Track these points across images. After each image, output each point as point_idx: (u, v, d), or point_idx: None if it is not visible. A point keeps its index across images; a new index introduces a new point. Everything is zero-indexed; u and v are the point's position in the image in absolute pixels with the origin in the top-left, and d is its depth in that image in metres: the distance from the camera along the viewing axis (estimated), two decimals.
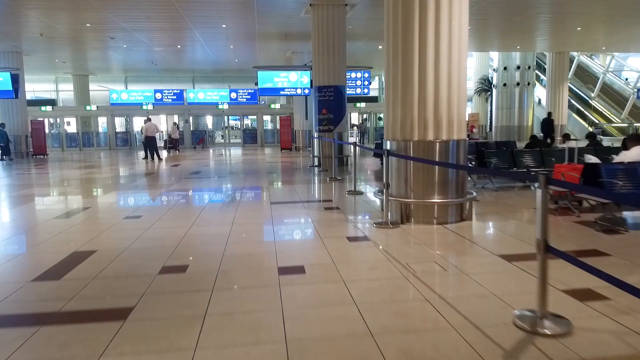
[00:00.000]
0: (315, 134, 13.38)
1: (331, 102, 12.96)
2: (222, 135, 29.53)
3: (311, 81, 16.43)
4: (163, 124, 29.65)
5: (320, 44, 12.77)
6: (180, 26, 15.49)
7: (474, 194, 5.70)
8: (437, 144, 5.35)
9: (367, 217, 5.93)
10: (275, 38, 18.11)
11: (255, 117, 27.43)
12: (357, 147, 8.50)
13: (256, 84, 18.08)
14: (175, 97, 26.94)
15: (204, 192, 8.79)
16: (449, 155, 5.41)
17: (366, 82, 19.14)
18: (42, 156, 19.94)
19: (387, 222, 5.32)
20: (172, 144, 22.25)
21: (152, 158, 16.71)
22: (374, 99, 26.06)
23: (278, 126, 25.05)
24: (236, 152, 21.57)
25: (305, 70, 17.61)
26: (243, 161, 16.09)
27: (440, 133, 5.34)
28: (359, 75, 18.70)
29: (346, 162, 13.14)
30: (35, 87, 30.00)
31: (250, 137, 26.77)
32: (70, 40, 17.49)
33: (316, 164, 13.11)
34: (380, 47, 20.15)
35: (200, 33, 16.70)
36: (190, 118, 27.09)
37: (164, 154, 20.62)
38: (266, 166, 14.21)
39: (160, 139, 23.20)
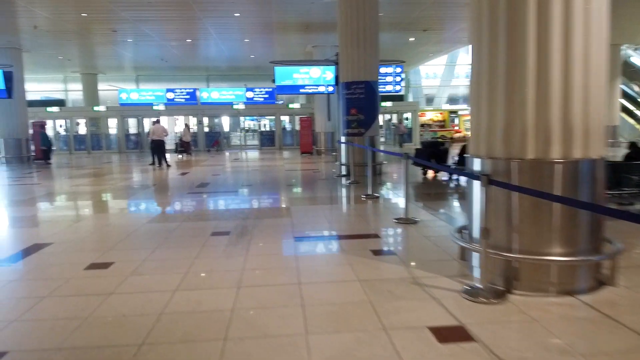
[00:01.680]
0: (343, 138, 11.42)
1: (362, 101, 10.98)
2: (237, 138, 27.79)
3: (336, 77, 14.49)
4: (177, 125, 28.14)
5: (349, 33, 10.81)
6: (188, 15, 13.71)
7: (617, 245, 3.61)
8: (564, 165, 3.32)
9: (444, 273, 3.91)
10: (294, 29, 16.21)
11: (273, 117, 25.60)
12: (408, 159, 6.47)
13: (273, 81, 16.19)
14: (188, 96, 25.30)
15: (207, 217, 6.90)
16: (581, 183, 3.38)
17: (398, 78, 17.06)
18: (43, 161, 18.40)
19: (484, 292, 3.32)
20: (184, 147, 20.52)
21: (160, 164, 14.97)
22: (399, 97, 23.97)
23: (297, 127, 23.16)
24: (252, 157, 19.75)
25: (329, 65, 15.64)
26: (259, 168, 14.21)
27: (571, 148, 3.32)
28: (389, 70, 16.64)
29: (380, 171, 11.14)
30: (45, 87, 28.74)
31: (267, 139, 24.92)
32: (69, 34, 15.90)
33: (343, 172, 11.15)
34: (411, 39, 18.08)
35: (211, 24, 14.89)
36: (204, 119, 25.39)
37: (176, 157, 18.94)
38: (286, 175, 12.29)
39: (172, 142, 21.55)
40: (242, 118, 27.48)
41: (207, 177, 11.82)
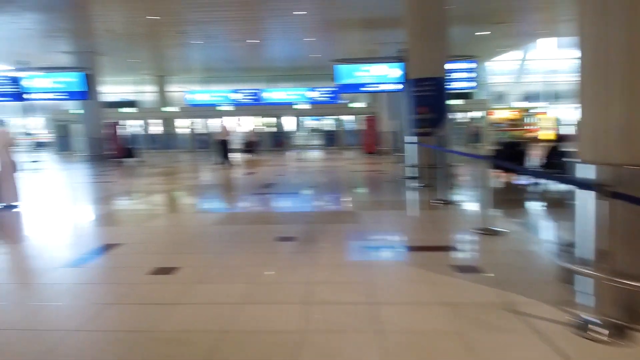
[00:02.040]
0: (410, 138, 10.85)
1: (432, 98, 10.34)
2: (300, 138, 27.83)
3: (403, 74, 13.92)
4: (243, 125, 28.68)
5: (418, 27, 10.24)
6: (251, 15, 13.73)
7: None
8: None
9: (543, 298, 3.36)
10: (358, 26, 15.81)
11: (335, 117, 25.33)
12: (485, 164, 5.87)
13: (334, 79, 15.86)
14: (251, 97, 25.69)
15: (272, 220, 6.67)
16: None
17: (472, 75, 16.09)
18: (119, 159, 19.30)
19: (601, 327, 2.75)
20: (250, 147, 20.77)
21: (223, 163, 15.18)
22: (467, 95, 22.80)
23: (361, 127, 22.72)
24: (315, 157, 19.57)
25: (394, 62, 15.06)
26: (322, 169, 13.95)
27: None
28: (461, 66, 15.75)
29: (451, 174, 10.45)
30: (120, 89, 30.35)
31: (330, 139, 24.69)
32: (140, 38, 16.50)
33: (411, 174, 10.57)
34: (482, 33, 17.07)
35: (273, 23, 14.83)
36: (269, 119, 25.63)
37: (242, 157, 19.17)
38: (350, 177, 11.92)
39: (239, 142, 21.88)
40: (304, 118, 27.46)
41: (271, 178, 11.72)
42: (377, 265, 4.32)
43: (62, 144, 24.29)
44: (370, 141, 19.21)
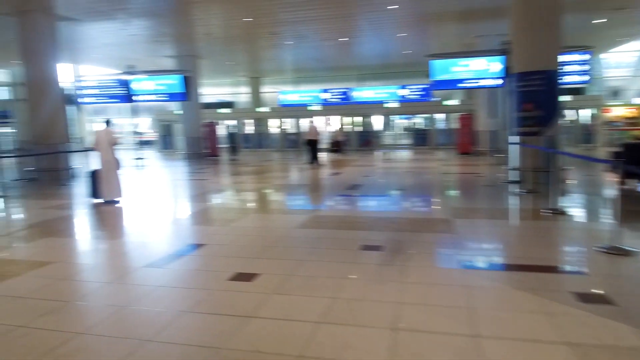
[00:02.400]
0: (514, 138, 9.81)
1: (540, 94, 9.24)
2: (389, 137, 27.11)
3: (506, 68, 12.77)
4: (332, 124, 28.71)
5: (524, 15, 9.20)
6: (343, 12, 13.44)
7: None
8: None
9: None
10: (455, 19, 14.82)
11: (427, 115, 24.27)
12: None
13: (428, 76, 15.03)
14: (341, 96, 25.52)
15: (357, 225, 6.26)
16: None
17: (585, 68, 14.35)
18: (214, 157, 20.20)
19: None
20: (337, 146, 20.61)
21: (311, 163, 15.11)
22: (577, 91, 20.51)
23: (454, 126, 21.48)
24: (404, 157, 18.83)
25: (495, 55, 13.88)
26: (412, 170, 13.26)
27: None
28: (573, 57, 14.09)
29: (563, 179, 9.27)
30: (217, 91, 31.90)
31: (421, 138, 23.69)
32: (236, 40, 17.03)
33: (514, 178, 9.56)
34: (599, 20, 15.14)
35: (365, 20, 14.41)
36: (357, 118, 25.28)
37: (329, 157, 19.06)
38: (442, 180, 11.14)
39: (327, 141, 21.83)
40: (394, 117, 26.67)
41: (358, 179, 11.33)
42: (478, 287, 3.72)
43: (165, 142, 26.03)
44: (465, 141, 18.03)
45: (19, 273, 4.40)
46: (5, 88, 24.10)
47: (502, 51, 12.98)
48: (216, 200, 9.11)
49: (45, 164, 12.20)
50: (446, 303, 3.38)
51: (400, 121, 30.46)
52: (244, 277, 4.08)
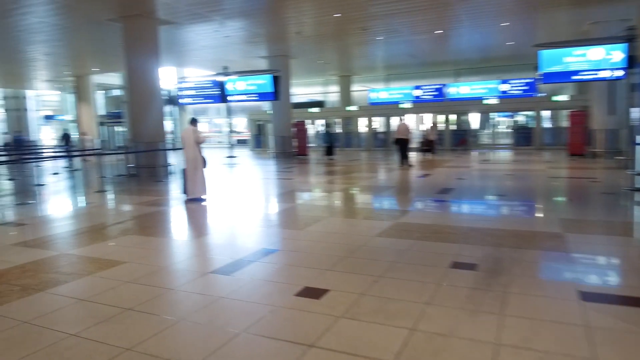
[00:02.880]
0: None
1: None
2: (488, 136, 25.22)
3: (629, 57, 11.01)
4: (422, 123, 27.63)
5: None
6: (439, 2, 12.47)
7: None
8: None
9: None
10: (568, 3, 13.11)
11: (531, 113, 22.13)
12: None
13: (535, 68, 13.47)
14: (435, 93, 24.23)
15: (448, 237, 5.50)
16: None
17: None
18: (303, 156, 20.22)
19: None
20: (428, 146, 19.49)
21: (402, 163, 14.34)
22: None
23: (563, 124, 19.29)
24: (505, 158, 17.25)
25: (616, 43, 12.02)
26: (514, 173, 11.93)
27: None
28: None
29: None
30: (307, 90, 32.14)
31: (523, 137, 21.65)
32: (326, 38, 16.75)
33: None
34: None
35: (464, 9, 13.28)
36: (451, 116, 23.85)
37: (420, 157, 18.12)
38: (550, 185, 9.81)
39: (418, 141, 20.81)
40: (493, 114, 24.71)
41: (451, 182, 10.38)
42: (603, 328, 2.87)
43: (257, 141, 26.73)
44: (577, 140, 15.99)
45: (89, 273, 4.37)
46: (119, 91, 26.41)
47: (625, 38, 11.20)
48: (297, 201, 8.82)
49: (144, 161, 12.90)
50: (560, 349, 2.60)
51: (500, 119, 28.33)
52: (313, 292, 3.61)
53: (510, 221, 6.27)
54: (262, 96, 16.51)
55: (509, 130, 25.07)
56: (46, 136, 35.41)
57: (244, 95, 16.61)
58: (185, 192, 8.64)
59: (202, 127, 34.41)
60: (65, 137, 25.63)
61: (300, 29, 15.25)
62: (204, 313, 3.33)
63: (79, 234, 6.16)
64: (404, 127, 14.86)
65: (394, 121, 22.96)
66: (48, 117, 36.58)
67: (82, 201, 9.52)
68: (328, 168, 14.99)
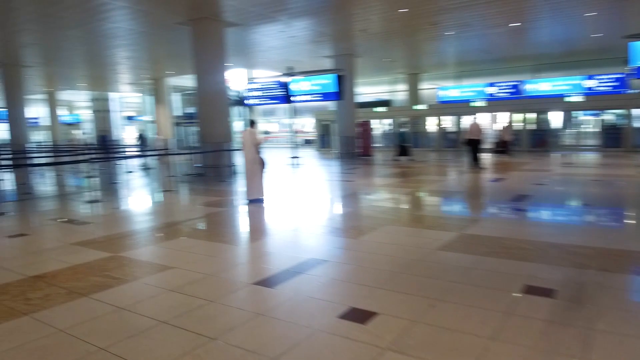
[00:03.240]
0: None
1: None
2: (570, 136, 23.18)
3: None
4: (496, 122, 26.12)
5: None
6: None
7: None
8: None
9: None
10: None
11: (622, 111, 20.00)
12: None
13: (626, 62, 12.04)
14: (510, 90, 22.74)
15: (520, 253, 4.85)
16: None
17: None
18: (367, 157, 19.77)
19: None
20: (503, 147, 18.24)
21: (474, 165, 13.48)
22: None
23: None
24: (590, 161, 15.70)
25: None
26: (602, 179, 10.70)
27: None
28: None
29: None
30: (374, 89, 31.51)
31: (612, 138, 19.60)
32: (393, 35, 16.17)
33: None
34: None
35: None
36: (529, 115, 22.20)
37: (494, 159, 17.02)
38: None
39: (492, 141, 19.57)
40: (577, 113, 22.65)
41: (527, 187, 9.47)
42: None
43: (323, 141, 26.59)
44: None
45: (136, 277, 4.30)
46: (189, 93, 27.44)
47: None
48: (355, 205, 8.43)
49: (211, 161, 13.13)
50: None
51: (585, 118, 26.05)
52: (358, 315, 3.24)
53: (596, 237, 5.46)
54: (326, 96, 16.26)
55: (595, 130, 22.89)
56: (128, 135, 37.83)
57: (308, 96, 16.46)
58: (246, 193, 8.60)
59: (272, 127, 35.02)
60: (141, 138, 27.12)
61: (365, 27, 14.81)
62: (238, 333, 3.07)
63: (136, 234, 6.23)
64: (475, 127, 13.97)
65: (466, 120, 21.79)
66: (130, 118, 39.09)
67: (146, 201, 9.80)
68: (391, 170, 14.43)
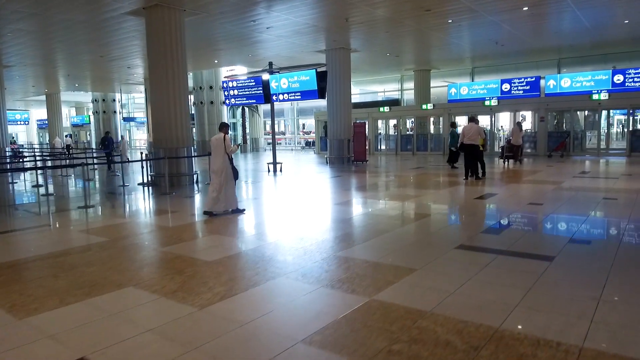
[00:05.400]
0: None
1: None
2: (595, 139, 20.63)
3: None
4: (506, 122, 23.90)
5: None
6: None
7: None
8: None
9: None
10: None
11: None
12: None
13: None
14: (527, 87, 20.40)
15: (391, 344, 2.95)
16: None
17: None
18: (361, 162, 17.90)
19: None
20: (512, 152, 15.94)
21: (473, 175, 11.45)
22: None
23: None
24: (613, 169, 13.39)
25: None
26: (629, 192, 8.51)
27: None
28: None
29: None
30: (384, 88, 29.47)
31: None
32: (387, 23, 14.09)
33: None
34: None
35: None
36: (551, 115, 19.87)
37: (500, 165, 14.91)
38: None
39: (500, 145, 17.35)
40: (604, 112, 20.01)
41: (515, 209, 7.42)
42: None
43: (323, 143, 24.76)
44: None
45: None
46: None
47: None
48: (326, 222, 6.58)
49: (163, 169, 11.55)
50: None
51: (613, 118, 23.38)
52: None
53: (622, 294, 3.46)
54: (304, 94, 14.45)
55: (625, 131, 20.31)
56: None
57: (287, 94, 14.71)
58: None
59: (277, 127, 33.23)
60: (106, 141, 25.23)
61: (354, 14, 12.74)
62: None
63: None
64: (472, 129, 11.80)
65: (480, 120, 19.47)
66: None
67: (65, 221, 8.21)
68: (375, 180, 12.50)
